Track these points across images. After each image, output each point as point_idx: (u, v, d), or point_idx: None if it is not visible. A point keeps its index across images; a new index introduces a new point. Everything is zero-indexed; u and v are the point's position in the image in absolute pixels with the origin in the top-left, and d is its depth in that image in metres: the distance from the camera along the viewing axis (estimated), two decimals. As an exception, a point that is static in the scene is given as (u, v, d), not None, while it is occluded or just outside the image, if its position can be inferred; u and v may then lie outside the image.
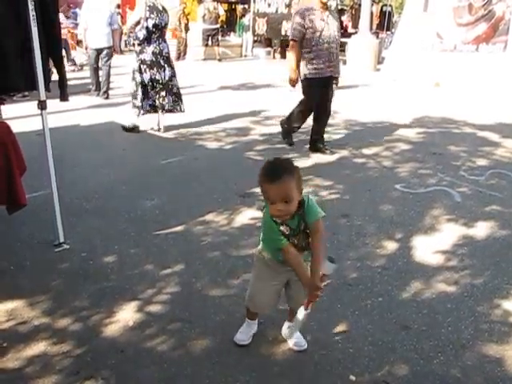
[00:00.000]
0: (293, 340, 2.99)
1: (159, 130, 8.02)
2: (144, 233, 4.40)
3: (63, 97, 4.27)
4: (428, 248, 4.29)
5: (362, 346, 3.02)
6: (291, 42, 6.94)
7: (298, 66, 6.89)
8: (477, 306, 3.49)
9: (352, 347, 3.01)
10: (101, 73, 11.17)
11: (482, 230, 4.69)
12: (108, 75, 11.13)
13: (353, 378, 2.76)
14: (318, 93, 6.93)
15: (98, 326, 3.14)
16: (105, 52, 11.00)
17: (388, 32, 23.24)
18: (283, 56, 20.99)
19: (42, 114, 3.90)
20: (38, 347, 2.94)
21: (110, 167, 6.17)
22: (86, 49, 11.32)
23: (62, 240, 4.16)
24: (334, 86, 7.14)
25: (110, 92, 11.19)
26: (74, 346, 2.95)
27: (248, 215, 4.83)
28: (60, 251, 4.08)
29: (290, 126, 7.44)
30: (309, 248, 2.71)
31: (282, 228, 2.65)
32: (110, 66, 11.15)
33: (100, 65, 11.18)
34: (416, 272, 3.89)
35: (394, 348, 3.02)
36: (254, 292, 2.96)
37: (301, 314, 2.70)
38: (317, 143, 7.21)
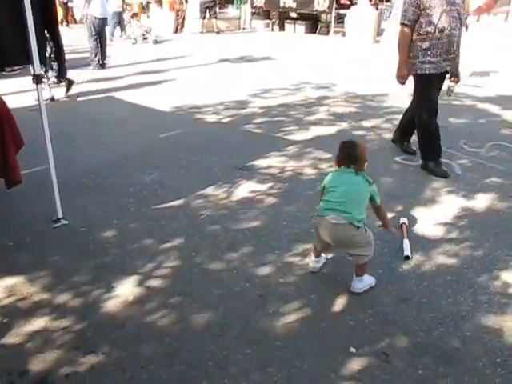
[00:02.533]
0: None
1: None
2: (143, 207, 4.39)
3: (61, 71, 4.21)
4: (428, 220, 4.28)
5: (362, 319, 3.02)
6: (401, 27, 5.33)
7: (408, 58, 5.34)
8: (476, 277, 3.49)
9: (352, 319, 3.02)
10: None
11: (481, 201, 4.67)
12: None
13: (353, 349, 2.78)
14: (436, 93, 5.48)
15: (98, 301, 3.15)
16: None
17: (387, 3, 22.92)
18: (282, 28, 20.81)
19: (37, 89, 3.85)
20: (39, 323, 2.94)
21: (108, 142, 6.13)
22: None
23: (60, 216, 4.15)
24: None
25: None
26: (74, 321, 2.96)
27: (247, 188, 4.81)
28: (59, 227, 4.07)
29: (402, 139, 6.04)
30: None
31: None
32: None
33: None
34: (416, 244, 3.88)
35: (394, 320, 3.03)
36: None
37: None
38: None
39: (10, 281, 3.35)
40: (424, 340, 2.86)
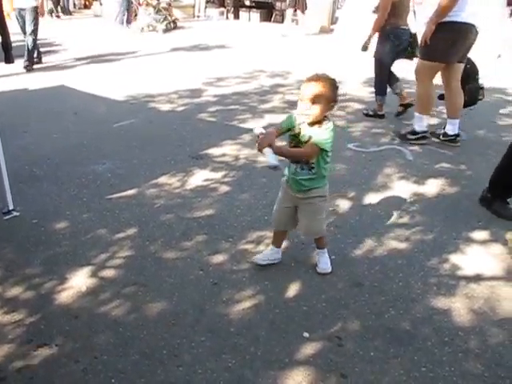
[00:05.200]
0: (319, 265, 3.40)
1: None
2: (96, 198, 4.34)
3: (8, 59, 4.12)
4: (380, 206, 4.36)
5: (315, 304, 3.07)
6: None
7: None
8: (427, 261, 3.58)
9: (305, 305, 3.06)
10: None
11: (432, 187, 4.78)
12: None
13: (306, 334, 2.82)
14: None
15: (51, 293, 3.11)
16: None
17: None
18: (236, 17, 20.73)
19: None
20: (-11, 316, 2.89)
21: (61, 132, 6.02)
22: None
23: (11, 207, 4.07)
24: None
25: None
26: (27, 314, 2.92)
27: (201, 177, 4.81)
28: (9, 219, 3.99)
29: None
30: (302, 164, 3.07)
31: (296, 127, 3.05)
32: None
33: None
34: (368, 229, 3.96)
35: (347, 304, 3.08)
36: (274, 211, 3.40)
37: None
38: None
39: (-41, 274, 3.28)
40: (376, 323, 2.93)
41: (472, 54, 5.87)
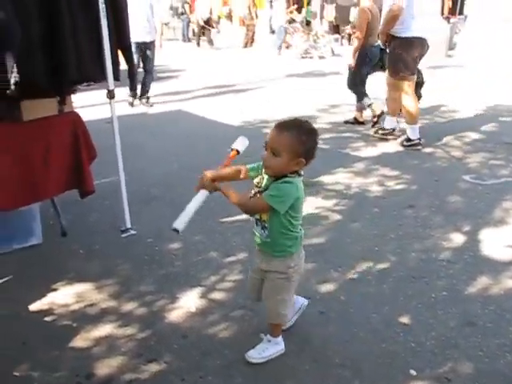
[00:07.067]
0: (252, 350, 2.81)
1: None
2: (209, 220, 4.45)
3: (132, 86, 4.35)
4: (497, 242, 4.16)
5: (424, 341, 2.96)
6: None
7: None
8: (548, 304, 3.37)
9: (413, 341, 2.96)
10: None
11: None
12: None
13: (413, 372, 2.72)
14: None
15: (162, 311, 3.22)
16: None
17: (460, 16, 22.39)
18: (350, 43, 20.73)
19: (110, 103, 4.00)
20: (105, 329, 3.04)
21: (176, 155, 6.27)
22: None
23: (128, 226, 4.27)
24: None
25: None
26: (139, 329, 3.04)
27: (313, 204, 4.81)
28: (127, 237, 4.20)
29: None
30: (260, 221, 2.62)
31: (256, 178, 2.65)
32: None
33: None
34: (483, 266, 3.78)
35: (458, 344, 2.94)
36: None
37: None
38: None
39: (80, 287, 3.48)
40: (489, 367, 2.76)
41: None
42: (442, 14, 18.00)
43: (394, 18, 6.24)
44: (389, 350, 2.89)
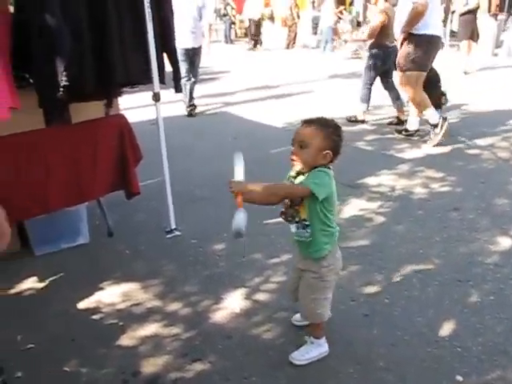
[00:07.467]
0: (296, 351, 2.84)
1: None
2: (253, 222, 4.45)
3: (177, 88, 4.40)
4: (547, 246, 4.07)
5: (470, 346, 2.91)
6: None
7: None
8: None
9: (460, 346, 2.91)
10: None
11: None
12: None
13: (460, 378, 2.67)
14: None
15: (207, 312, 3.26)
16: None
17: (507, 13, 21.86)
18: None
19: (155, 106, 4.06)
20: (150, 328, 3.09)
21: (221, 156, 6.29)
22: None
23: (173, 227, 4.32)
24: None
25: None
26: (184, 329, 3.08)
27: (357, 206, 4.80)
28: (172, 237, 4.25)
29: None
30: (295, 218, 2.68)
31: (290, 173, 2.68)
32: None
33: None
34: (533, 271, 3.70)
35: (507, 351, 2.87)
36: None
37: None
38: None
39: (126, 287, 3.54)
40: (541, 375, 2.71)
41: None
42: (489, 11, 17.61)
43: (418, 14, 6.15)
44: (434, 354, 2.85)
